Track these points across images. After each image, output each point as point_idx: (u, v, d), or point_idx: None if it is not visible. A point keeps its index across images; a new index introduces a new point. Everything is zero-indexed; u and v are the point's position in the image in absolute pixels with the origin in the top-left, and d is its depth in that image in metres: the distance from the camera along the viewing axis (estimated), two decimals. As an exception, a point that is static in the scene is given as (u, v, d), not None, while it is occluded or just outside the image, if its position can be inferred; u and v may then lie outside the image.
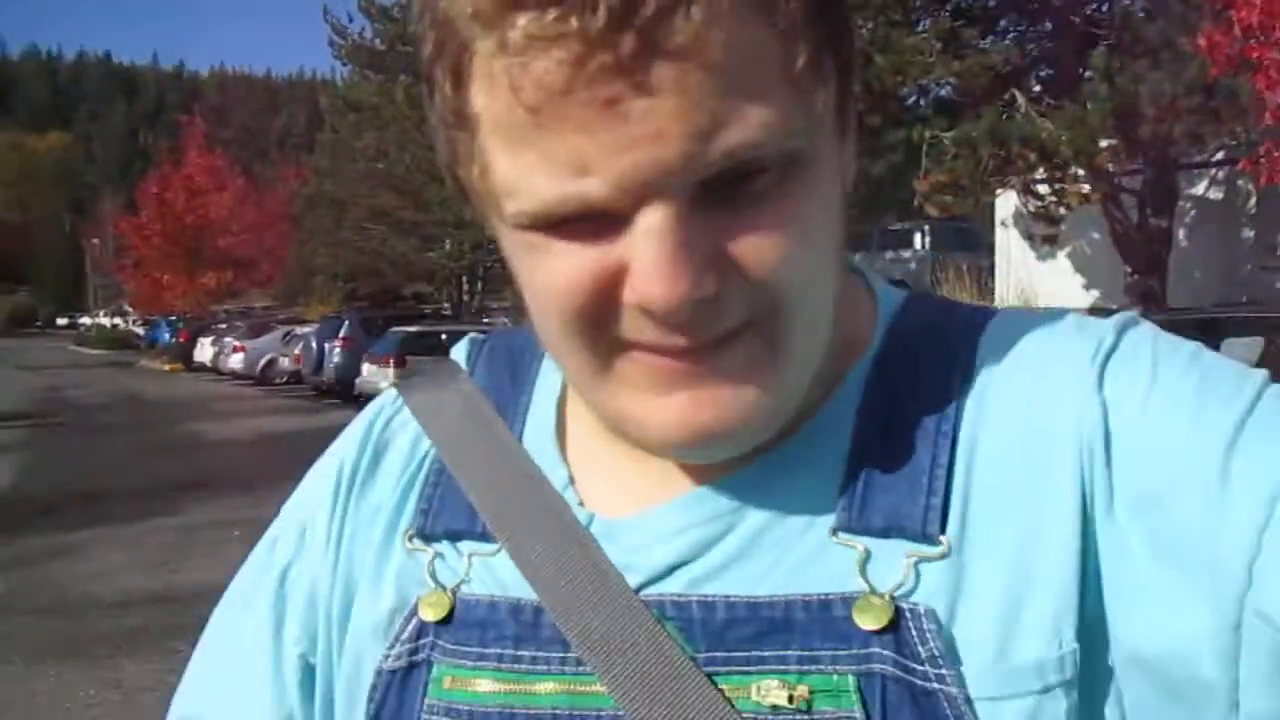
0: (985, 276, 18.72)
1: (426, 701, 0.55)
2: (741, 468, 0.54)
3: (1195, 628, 0.46)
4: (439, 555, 0.58)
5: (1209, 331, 8.04)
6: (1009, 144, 12.03)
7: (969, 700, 0.48)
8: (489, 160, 0.47)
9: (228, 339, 26.75)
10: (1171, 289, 13.44)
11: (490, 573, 0.57)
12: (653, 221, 0.44)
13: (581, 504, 0.57)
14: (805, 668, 0.50)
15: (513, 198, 0.46)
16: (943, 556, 0.50)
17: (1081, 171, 13.08)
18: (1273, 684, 0.45)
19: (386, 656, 0.57)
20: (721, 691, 0.50)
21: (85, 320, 60.83)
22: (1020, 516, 0.50)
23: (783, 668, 0.50)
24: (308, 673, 0.62)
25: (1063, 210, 14.07)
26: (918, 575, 0.50)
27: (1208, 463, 0.47)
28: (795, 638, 0.50)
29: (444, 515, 0.59)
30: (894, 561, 0.50)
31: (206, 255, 38.71)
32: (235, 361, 25.33)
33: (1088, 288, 16.98)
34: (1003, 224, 18.40)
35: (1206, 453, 0.48)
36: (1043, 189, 14.23)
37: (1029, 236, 15.61)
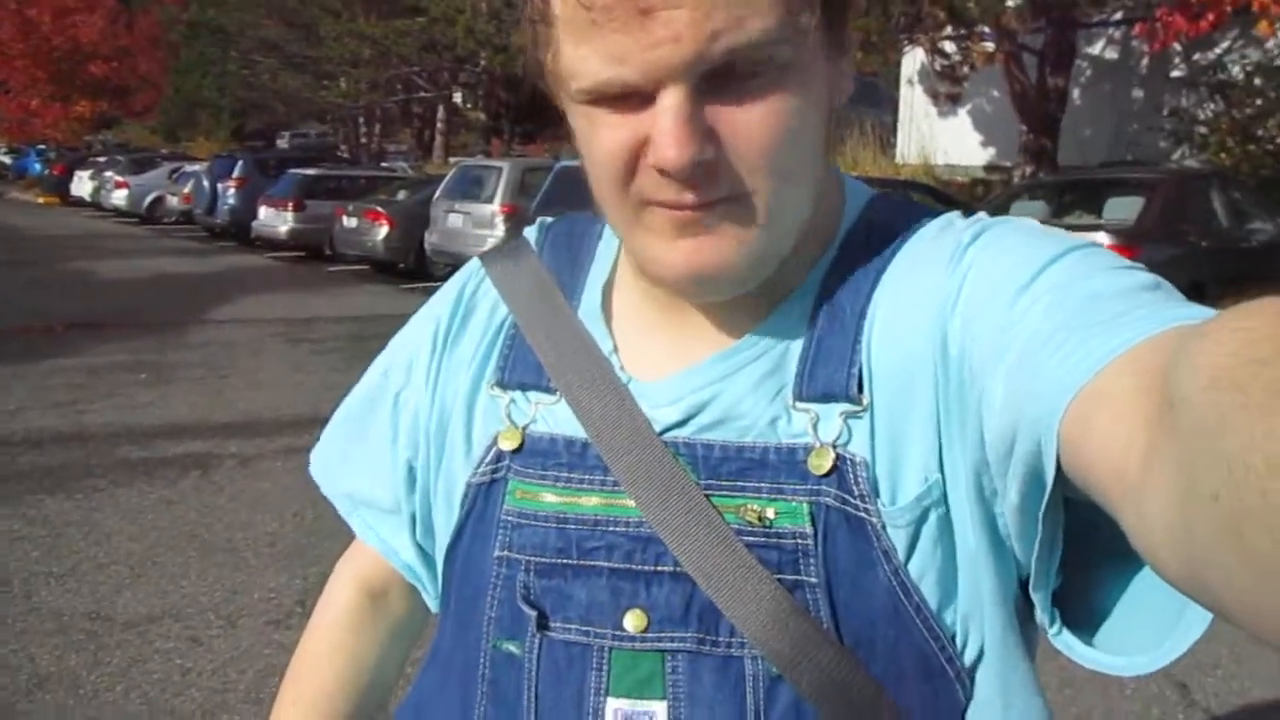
0: (888, 133, 18.95)
1: (504, 506, 0.73)
2: (730, 345, 0.70)
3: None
4: (513, 401, 0.75)
5: (1094, 192, 8.46)
6: (920, 1, 12.06)
7: (883, 525, 0.64)
8: (560, 48, 0.62)
9: (109, 173, 25.27)
10: (1062, 146, 13.92)
11: (552, 416, 0.73)
12: (668, 101, 0.59)
13: (622, 368, 0.73)
14: (774, 496, 0.66)
15: (574, 78, 0.61)
16: (865, 411, 0.65)
17: (987, 30, 13.25)
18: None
19: (474, 473, 0.74)
20: (716, 508, 0.67)
21: (-59, 145, 56.48)
22: (900, 385, 0.65)
23: (758, 495, 0.66)
24: (410, 473, 0.81)
25: (967, 69, 14.29)
26: (849, 429, 0.66)
27: (1012, 288, 0.60)
28: (768, 474, 0.66)
29: (518, 370, 0.75)
30: (833, 419, 0.66)
31: (78, 82, 36.19)
32: (118, 198, 24.06)
33: (984, 145, 17.41)
34: (908, 82, 18.55)
35: (1014, 282, 0.61)
36: (949, 47, 14.38)
37: (933, 95, 15.82)
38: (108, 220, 23.91)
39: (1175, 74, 14.67)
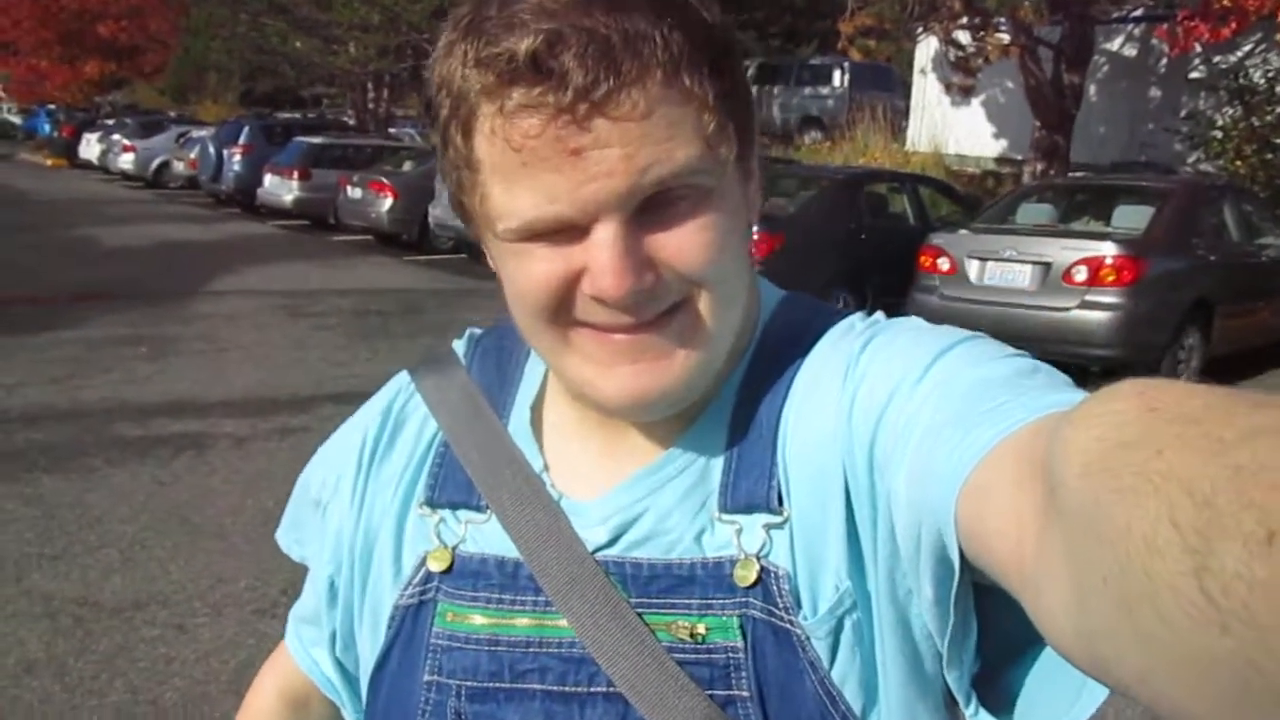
0: (900, 119, 18.82)
1: (433, 629, 0.72)
2: (653, 462, 0.71)
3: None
4: (442, 520, 0.75)
5: (1104, 198, 8.36)
6: (936, -10, 11.94)
7: (806, 636, 0.65)
8: (487, 191, 0.63)
9: (116, 136, 25.25)
10: (1076, 143, 13.79)
11: (482, 535, 0.73)
12: (605, 234, 0.61)
13: (553, 486, 0.73)
14: (704, 611, 0.67)
15: (503, 219, 0.63)
16: (785, 522, 0.67)
17: (1003, 22, 13.12)
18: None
19: (402, 595, 0.74)
20: (648, 625, 0.67)
21: (-48, 103, 56.31)
22: (813, 495, 0.66)
23: (688, 611, 0.67)
24: (332, 589, 0.80)
25: (981, 61, 14.17)
26: (771, 540, 0.67)
27: (906, 386, 0.62)
28: (696, 590, 0.67)
29: (447, 488, 0.75)
30: (756, 529, 0.67)
31: (87, 43, 36.01)
32: (125, 161, 24.08)
33: (996, 137, 17.29)
34: (921, 71, 18.39)
35: (907, 380, 0.63)
36: (964, 38, 14.25)
37: (946, 85, 15.69)
38: (114, 184, 23.92)
39: (1194, 75, 14.49)
